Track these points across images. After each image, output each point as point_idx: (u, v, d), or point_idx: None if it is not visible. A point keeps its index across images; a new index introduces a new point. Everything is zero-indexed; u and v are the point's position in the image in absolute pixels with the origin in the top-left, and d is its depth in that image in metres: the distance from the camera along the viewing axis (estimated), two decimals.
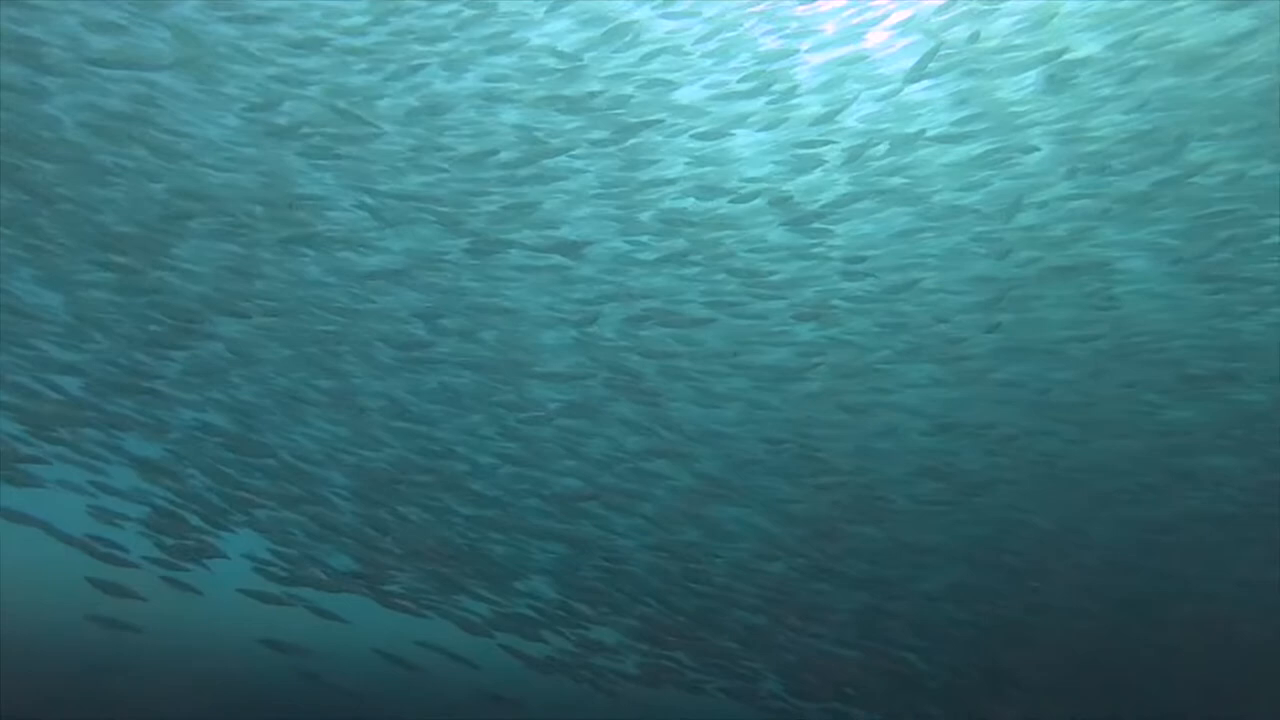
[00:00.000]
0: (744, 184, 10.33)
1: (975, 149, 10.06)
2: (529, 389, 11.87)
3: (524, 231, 10.36)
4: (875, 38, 9.04)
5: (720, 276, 10.81)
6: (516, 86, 9.68)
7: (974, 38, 8.86)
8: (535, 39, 9.38)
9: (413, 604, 12.45)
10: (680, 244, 10.45)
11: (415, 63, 9.40)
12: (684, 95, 9.77)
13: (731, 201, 9.57)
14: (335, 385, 11.99)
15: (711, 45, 9.25)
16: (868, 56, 9.22)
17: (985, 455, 13.34)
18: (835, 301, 11.19)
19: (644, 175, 10.30)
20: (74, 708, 10.81)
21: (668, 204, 10.18)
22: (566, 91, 9.57)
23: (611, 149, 9.97)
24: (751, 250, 10.51)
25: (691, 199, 10.38)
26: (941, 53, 9.12)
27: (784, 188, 10.18)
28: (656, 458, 12.30)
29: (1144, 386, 12.43)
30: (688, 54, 9.41)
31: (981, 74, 9.46)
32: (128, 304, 11.29)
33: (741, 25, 9.03)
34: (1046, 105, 9.81)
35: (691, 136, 9.52)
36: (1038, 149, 10.05)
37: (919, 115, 9.84)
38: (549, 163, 10.02)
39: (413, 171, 10.24)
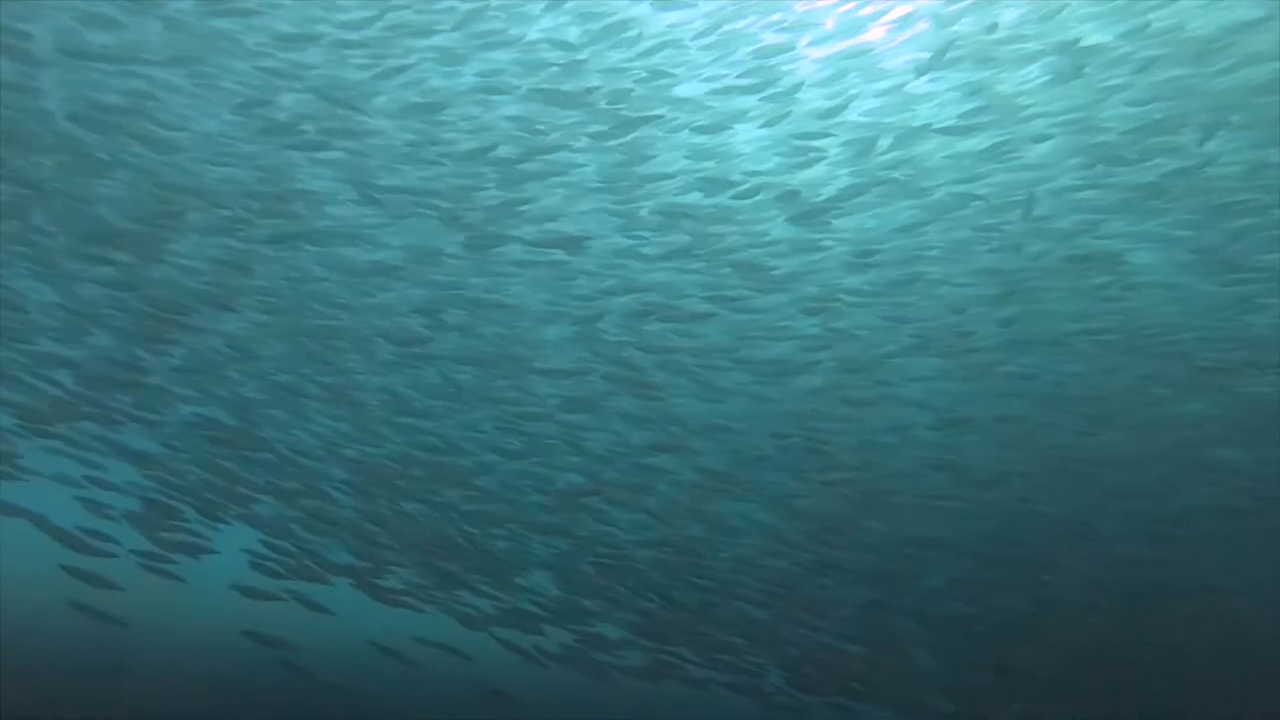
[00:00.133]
0: (746, 177, 10.50)
1: (980, 141, 10.20)
2: (530, 384, 12.08)
3: (524, 226, 10.54)
4: (877, 30, 9.20)
5: (725, 270, 10.99)
6: (515, 81, 9.84)
7: (991, 28, 8.99)
8: (533, 34, 9.53)
9: (412, 599, 12.69)
10: (682, 239, 10.63)
11: (413, 57, 9.58)
12: (684, 89, 9.92)
13: (733, 197, 9.74)
14: (334, 380, 12.20)
15: (711, 39, 9.40)
16: (870, 50, 9.36)
17: (993, 449, 13.51)
18: (840, 295, 11.36)
19: (644, 170, 10.46)
20: (69, 704, 11.02)
21: (669, 199, 10.34)
22: (566, 86, 9.73)
23: (612, 144, 10.13)
24: (754, 244, 10.69)
25: (693, 193, 10.55)
26: (948, 45, 9.27)
27: (786, 182, 10.35)
28: (659, 453, 12.51)
29: (1154, 379, 12.57)
30: (687, 48, 9.56)
31: (987, 65, 9.59)
32: (123, 298, 11.49)
33: (741, 19, 9.19)
34: (1054, 97, 9.93)
35: (692, 131, 9.70)
36: (1045, 139, 10.21)
37: (923, 108, 9.99)
38: (549, 158, 10.18)
39: (411, 166, 10.42)
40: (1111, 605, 15.27)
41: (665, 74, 9.51)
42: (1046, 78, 9.74)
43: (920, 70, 9.08)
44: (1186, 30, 9.40)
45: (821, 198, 10.52)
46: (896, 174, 10.32)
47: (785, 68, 9.55)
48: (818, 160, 9.96)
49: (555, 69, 9.69)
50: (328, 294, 11.31)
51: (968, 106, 9.93)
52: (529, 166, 10.23)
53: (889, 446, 13.31)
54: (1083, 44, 9.43)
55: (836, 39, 9.22)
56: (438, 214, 10.00)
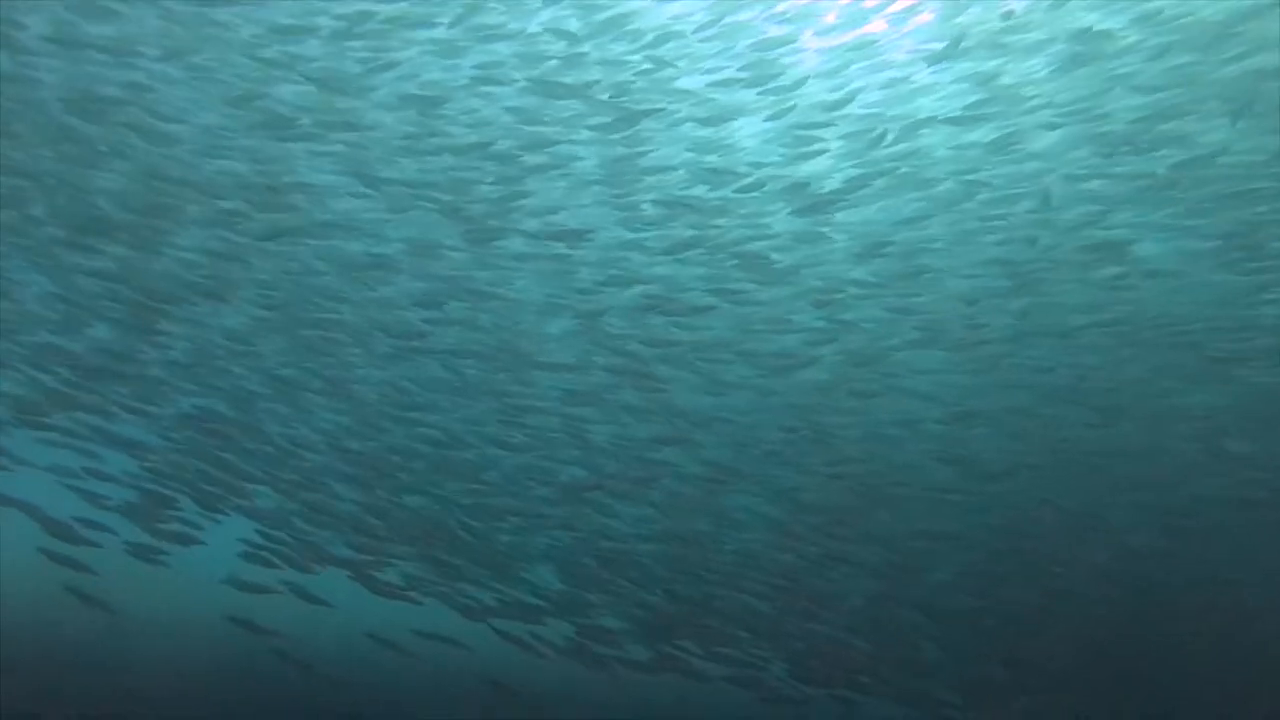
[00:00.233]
0: (750, 169, 10.60)
1: (987, 132, 10.28)
2: (532, 377, 12.22)
3: (525, 220, 10.66)
4: (880, 22, 9.28)
5: (729, 263, 11.11)
6: (515, 74, 9.93)
7: (1007, 15, 9.05)
8: (533, 26, 9.62)
9: (414, 592, 12.88)
10: (684, 231, 10.75)
11: (412, 49, 9.68)
12: (686, 82, 9.99)
13: (736, 191, 9.85)
14: (334, 373, 12.36)
15: (713, 31, 9.48)
16: (873, 41, 9.45)
17: (1002, 441, 13.62)
18: (845, 288, 11.47)
19: (646, 162, 10.56)
20: (65, 695, 11.17)
21: (670, 191, 10.44)
22: (566, 79, 9.82)
23: (613, 136, 10.23)
24: (758, 237, 10.81)
25: (694, 186, 10.65)
26: (952, 34, 9.36)
27: (788, 174, 10.45)
28: (663, 446, 12.66)
29: (1164, 370, 12.64)
30: (690, 40, 9.64)
31: (993, 55, 9.66)
32: (120, 290, 11.64)
33: (744, 11, 9.27)
34: (1061, 87, 9.98)
35: (694, 123, 9.80)
36: (1053, 129, 10.28)
37: (928, 99, 10.06)
38: (549, 150, 10.28)
39: (410, 159, 10.54)
40: (1122, 597, 15.39)
41: (667, 66, 9.59)
42: (1054, 66, 9.79)
43: (932, 60, 9.18)
44: (1197, 16, 9.43)
45: (826, 190, 10.61)
46: (902, 166, 10.41)
47: (788, 60, 9.63)
48: (821, 153, 10.05)
49: (556, 61, 9.78)
50: (327, 287, 11.45)
51: (974, 97, 10.01)
52: (530, 159, 10.34)
53: (895, 439, 13.41)
54: (1091, 31, 9.46)
55: (839, 30, 9.30)
56: (438, 207, 10.12)
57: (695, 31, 9.48)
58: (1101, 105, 10.08)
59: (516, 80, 9.90)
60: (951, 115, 9.93)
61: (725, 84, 9.69)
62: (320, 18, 9.73)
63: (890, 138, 10.03)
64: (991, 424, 13.28)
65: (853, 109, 10.07)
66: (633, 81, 9.67)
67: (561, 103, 10.00)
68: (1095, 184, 10.78)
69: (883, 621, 14.99)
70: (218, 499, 12.87)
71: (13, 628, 16.83)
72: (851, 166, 10.57)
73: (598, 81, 9.48)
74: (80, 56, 10.18)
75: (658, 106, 9.45)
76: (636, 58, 9.76)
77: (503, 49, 9.83)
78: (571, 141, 10.34)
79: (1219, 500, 14.32)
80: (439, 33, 9.78)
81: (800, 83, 9.71)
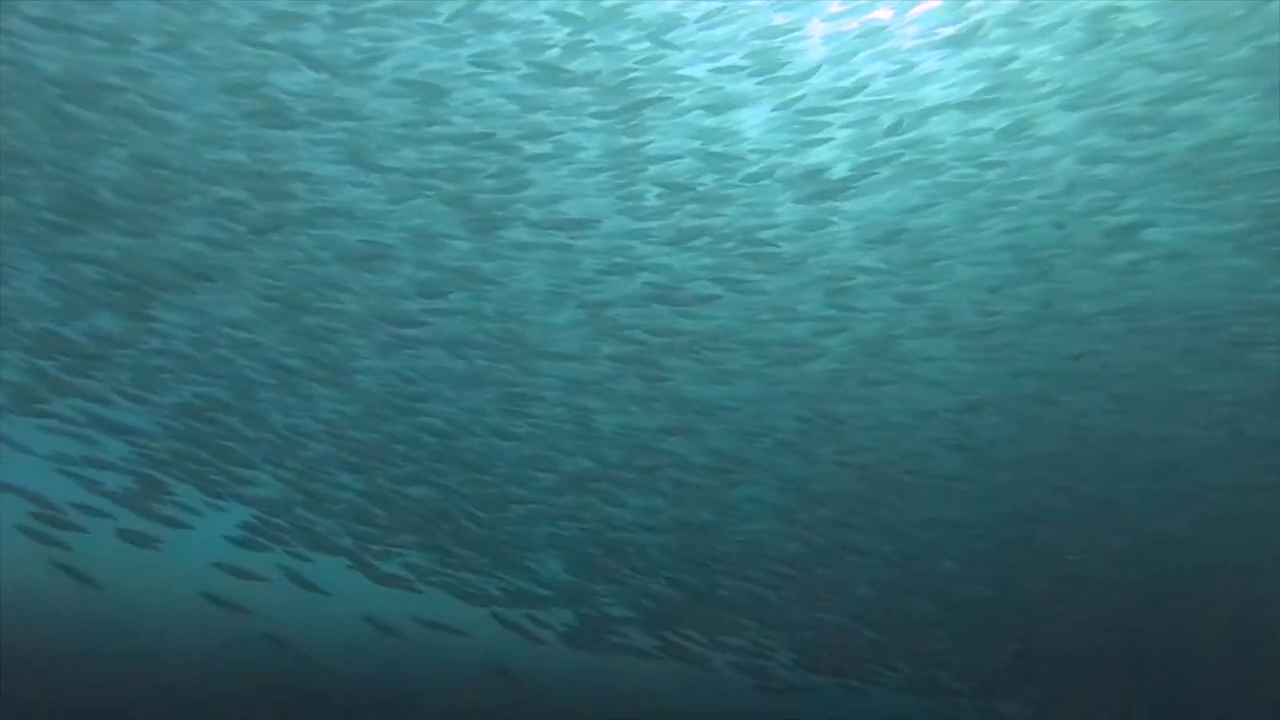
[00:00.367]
0: (757, 156, 10.72)
1: (997, 119, 10.37)
2: (536, 367, 12.40)
3: (528, 209, 10.81)
4: (885, 10, 9.38)
5: (734, 252, 11.24)
6: (516, 62, 10.05)
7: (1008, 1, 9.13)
8: (536, 14, 9.73)
9: (418, 581, 13.10)
10: (688, 221, 10.89)
11: (413, 38, 9.80)
12: (691, 69, 10.10)
13: (743, 179, 9.98)
14: (334, 363, 12.55)
15: (718, 18, 9.58)
16: (880, 28, 9.54)
17: (1013, 429, 13.75)
18: (853, 276, 11.60)
19: (650, 150, 10.69)
20: (61, 682, 11.37)
21: (675, 180, 10.57)
22: (570, 66, 9.94)
23: (617, 125, 10.36)
24: (764, 226, 10.94)
25: (700, 174, 10.78)
26: (959, 21, 9.47)
27: (793, 162, 10.57)
28: (669, 435, 12.83)
29: (1179, 355, 12.74)
30: (694, 27, 9.75)
31: (1002, 39, 9.75)
32: (119, 277, 11.81)
33: None
34: (1074, 72, 10.05)
35: (699, 111, 9.91)
36: (1065, 112, 10.37)
37: (935, 85, 10.16)
38: (553, 139, 10.42)
39: (411, 148, 10.69)
40: (1136, 584, 15.53)
41: (671, 54, 9.70)
42: (1068, 50, 9.86)
43: (941, 45, 9.28)
44: None
45: (834, 177, 10.72)
46: (910, 153, 10.51)
47: (793, 47, 9.72)
48: (827, 140, 10.17)
49: (558, 49, 9.89)
50: (329, 276, 11.63)
51: (983, 83, 10.10)
52: (532, 148, 10.47)
53: (905, 427, 13.56)
54: (1105, 11, 9.51)
55: (845, 17, 9.41)
56: (440, 196, 10.27)
57: (700, 19, 9.58)
58: (1116, 88, 10.13)
59: (518, 68, 10.01)
60: (960, 100, 10.02)
61: (730, 71, 9.78)
62: (320, 4, 9.84)
63: (899, 124, 10.13)
64: (1003, 412, 13.39)
65: (859, 96, 10.16)
66: (636, 69, 9.79)
67: (564, 90, 10.12)
68: (1109, 168, 10.85)
69: (892, 610, 15.18)
70: (218, 486, 13.07)
71: (10, 615, 17.11)
72: (858, 154, 10.68)
73: (601, 70, 9.60)
74: (78, 43, 10.33)
75: (662, 95, 9.57)
76: (640, 46, 9.86)
77: (504, 37, 9.93)
78: (575, 130, 10.47)
79: (1235, 486, 14.43)
80: (440, 20, 9.89)
81: (806, 69, 9.82)
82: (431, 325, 11.88)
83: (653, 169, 10.64)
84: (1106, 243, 11.34)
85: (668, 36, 9.76)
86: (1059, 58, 9.88)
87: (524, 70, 10.00)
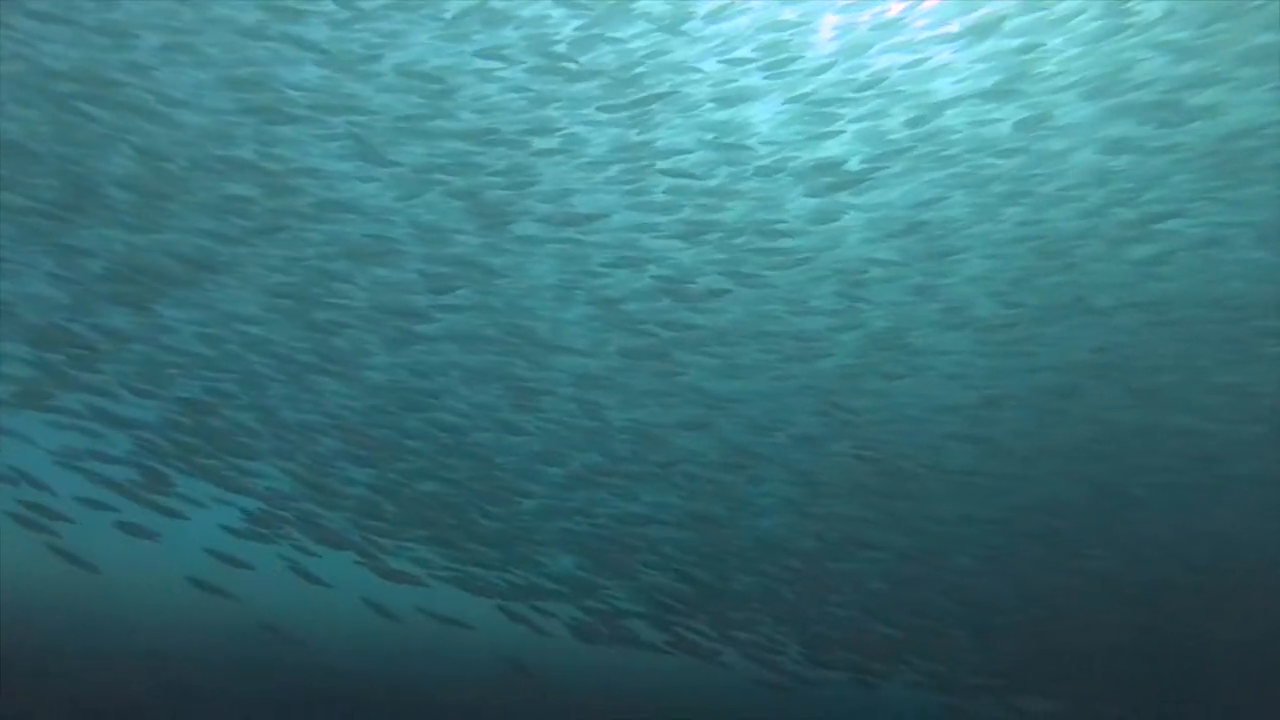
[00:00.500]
0: (766, 148, 10.82)
1: (1013, 111, 10.43)
2: (547, 361, 12.56)
3: (536, 204, 10.95)
4: (898, 2, 9.46)
5: (745, 246, 11.35)
6: (524, 56, 10.16)
7: None
8: (543, 7, 9.84)
9: (429, 575, 13.29)
10: (699, 215, 11.00)
11: (420, 33, 9.93)
12: (700, 63, 10.19)
13: (754, 173, 10.08)
14: (343, 358, 12.73)
15: (728, 12, 9.67)
16: (891, 21, 9.62)
17: (1030, 423, 13.83)
18: (867, 269, 11.71)
19: (660, 144, 10.82)
20: (62, 674, 11.59)
21: (685, 174, 10.69)
22: (578, 60, 10.06)
23: (626, 119, 10.49)
24: (776, 220, 11.05)
25: (711, 168, 10.90)
26: (969, 14, 9.55)
27: (805, 155, 10.68)
28: (680, 430, 12.97)
29: (1199, 349, 12.79)
30: (702, 20, 9.84)
31: (1018, 31, 9.80)
32: (124, 271, 12.01)
33: None
34: (1090, 64, 10.08)
35: (710, 105, 10.01)
36: (1082, 104, 10.42)
37: (948, 78, 10.23)
38: (561, 133, 10.55)
39: (418, 142, 10.83)
40: (1156, 578, 15.60)
41: (681, 47, 9.80)
42: (1081, 39, 9.90)
43: (959, 36, 9.35)
44: None
45: (848, 170, 10.81)
46: (924, 145, 10.60)
47: (804, 39, 9.83)
48: (839, 134, 10.27)
49: (566, 43, 10.00)
50: (337, 271, 11.81)
51: (997, 75, 10.16)
52: (541, 143, 10.61)
53: (921, 421, 13.66)
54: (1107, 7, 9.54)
55: (856, 9, 9.49)
56: (449, 191, 10.42)
57: (709, 12, 9.68)
58: (1132, 78, 10.15)
59: (526, 61, 10.13)
60: (974, 93, 10.08)
61: (740, 64, 9.87)
62: (328, 2, 9.98)
63: (913, 116, 10.22)
64: (1021, 406, 13.46)
65: (871, 89, 10.23)
66: (645, 62, 9.89)
67: (574, 85, 10.24)
68: (1127, 159, 10.88)
69: (906, 605, 15.31)
70: (227, 480, 13.27)
71: (14, 608, 17.39)
72: (872, 147, 10.77)
73: (609, 64, 9.72)
74: (85, 39, 10.50)
75: (672, 89, 9.68)
76: (649, 39, 9.97)
77: (511, 30, 10.05)
78: (584, 124, 10.59)
79: (1259, 479, 14.47)
80: (447, 14, 10.02)
81: (817, 62, 9.91)
82: (441, 320, 12.05)
83: (662, 163, 10.75)
84: (1126, 234, 11.38)
85: (677, 30, 9.85)
86: (1074, 49, 9.92)
87: (532, 64, 10.11)
